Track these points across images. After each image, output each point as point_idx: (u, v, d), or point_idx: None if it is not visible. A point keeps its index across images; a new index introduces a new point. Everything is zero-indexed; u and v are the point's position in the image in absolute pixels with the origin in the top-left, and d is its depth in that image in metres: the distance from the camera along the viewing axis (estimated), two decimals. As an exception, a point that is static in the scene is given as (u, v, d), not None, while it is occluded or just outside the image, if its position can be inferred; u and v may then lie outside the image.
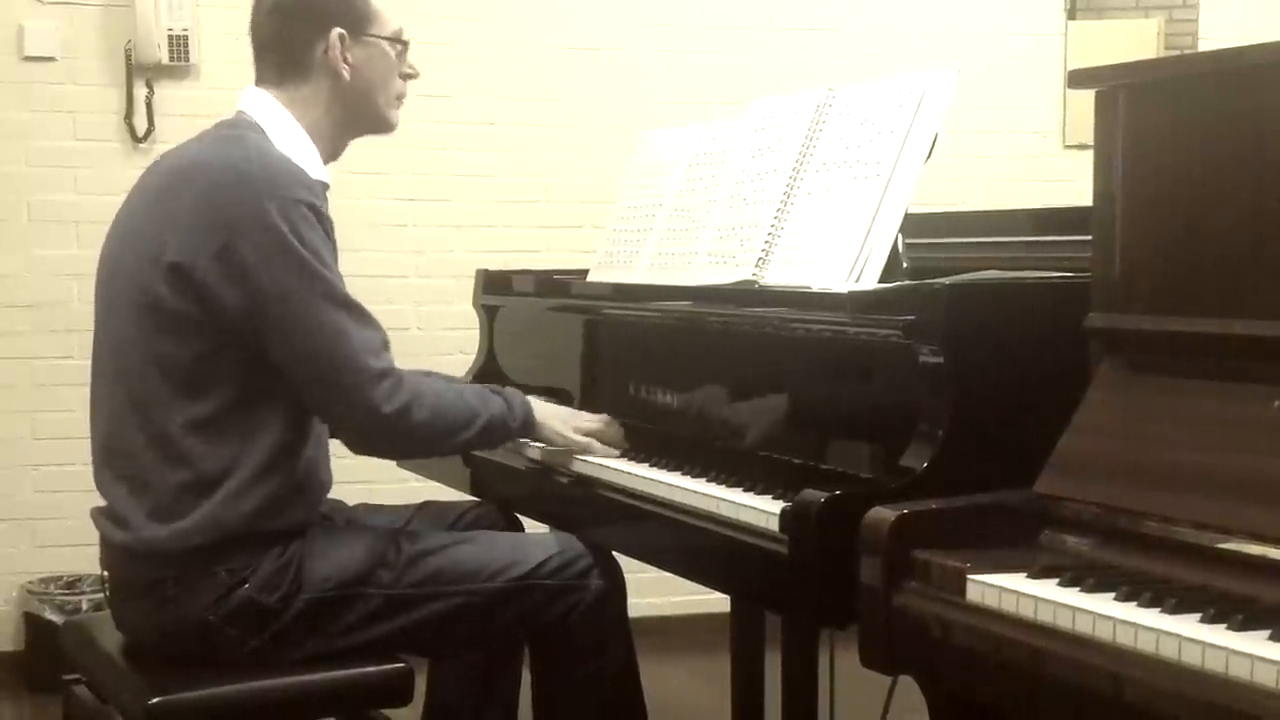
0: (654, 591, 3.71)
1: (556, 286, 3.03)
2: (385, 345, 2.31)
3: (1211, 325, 1.77)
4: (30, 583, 4.35)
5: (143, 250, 2.28)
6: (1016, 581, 1.67)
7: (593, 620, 2.45)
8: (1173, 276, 1.85)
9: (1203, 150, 1.82)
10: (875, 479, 2.02)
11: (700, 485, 2.25)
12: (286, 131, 2.37)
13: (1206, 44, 5.00)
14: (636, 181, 2.93)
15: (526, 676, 2.57)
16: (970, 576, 1.70)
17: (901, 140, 2.27)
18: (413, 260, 4.68)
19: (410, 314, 4.65)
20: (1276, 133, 1.72)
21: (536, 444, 2.58)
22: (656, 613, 4.32)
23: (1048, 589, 1.63)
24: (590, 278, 2.91)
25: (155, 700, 2.22)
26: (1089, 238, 1.97)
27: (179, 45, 4.38)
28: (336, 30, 2.39)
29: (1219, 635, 1.45)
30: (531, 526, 2.71)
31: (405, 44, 2.48)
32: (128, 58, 4.40)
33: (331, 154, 2.47)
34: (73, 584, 4.31)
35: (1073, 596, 1.60)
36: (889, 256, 2.23)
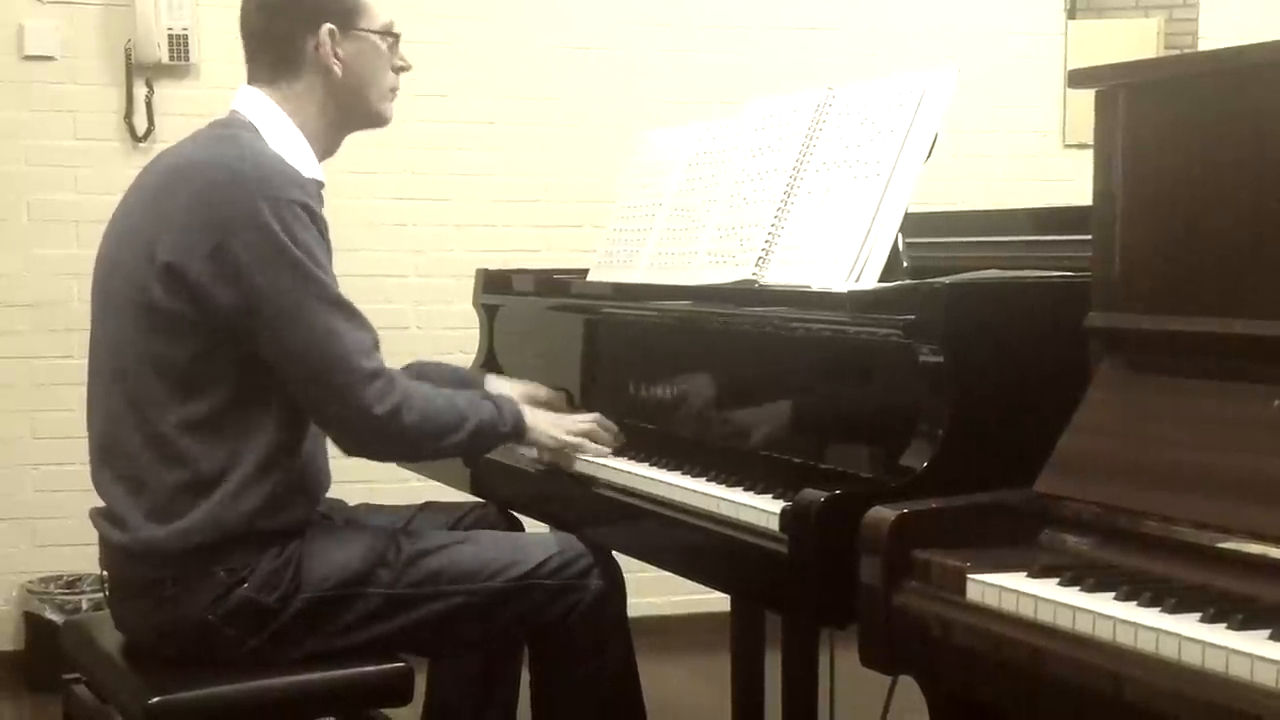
0: (654, 591, 3.71)
1: (556, 286, 3.03)
2: (376, 346, 2.31)
3: (1211, 325, 1.77)
4: (30, 582, 4.35)
5: (138, 250, 2.28)
6: (1016, 581, 1.67)
7: (592, 620, 2.45)
8: (1173, 276, 1.85)
9: (1202, 150, 1.82)
10: (875, 478, 2.02)
11: (700, 485, 2.25)
12: (280, 130, 2.37)
13: (1206, 44, 5.00)
14: (636, 181, 2.93)
15: (526, 676, 2.57)
16: (970, 576, 1.70)
17: (901, 140, 2.27)
18: (412, 260, 4.68)
19: (410, 314, 4.65)
20: (1276, 132, 1.72)
21: (529, 448, 2.58)
22: (656, 612, 4.32)
23: (1048, 588, 1.63)
24: (590, 277, 2.91)
25: (155, 700, 2.22)
26: (1089, 237, 1.97)
27: (179, 45, 4.39)
28: (326, 26, 2.39)
29: (1219, 635, 1.45)
30: (532, 526, 2.71)
31: (396, 36, 2.48)
32: (128, 57, 4.40)
33: (326, 150, 2.47)
34: (73, 584, 4.31)
35: (1073, 596, 1.60)
36: (889, 256, 2.23)
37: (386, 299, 4.54)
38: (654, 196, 2.82)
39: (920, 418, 1.98)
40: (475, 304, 3.25)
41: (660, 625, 4.29)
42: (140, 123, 4.43)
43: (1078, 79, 1.99)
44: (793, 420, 2.27)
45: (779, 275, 2.37)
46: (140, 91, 4.43)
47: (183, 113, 4.21)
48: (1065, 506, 1.81)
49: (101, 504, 2.38)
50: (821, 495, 1.91)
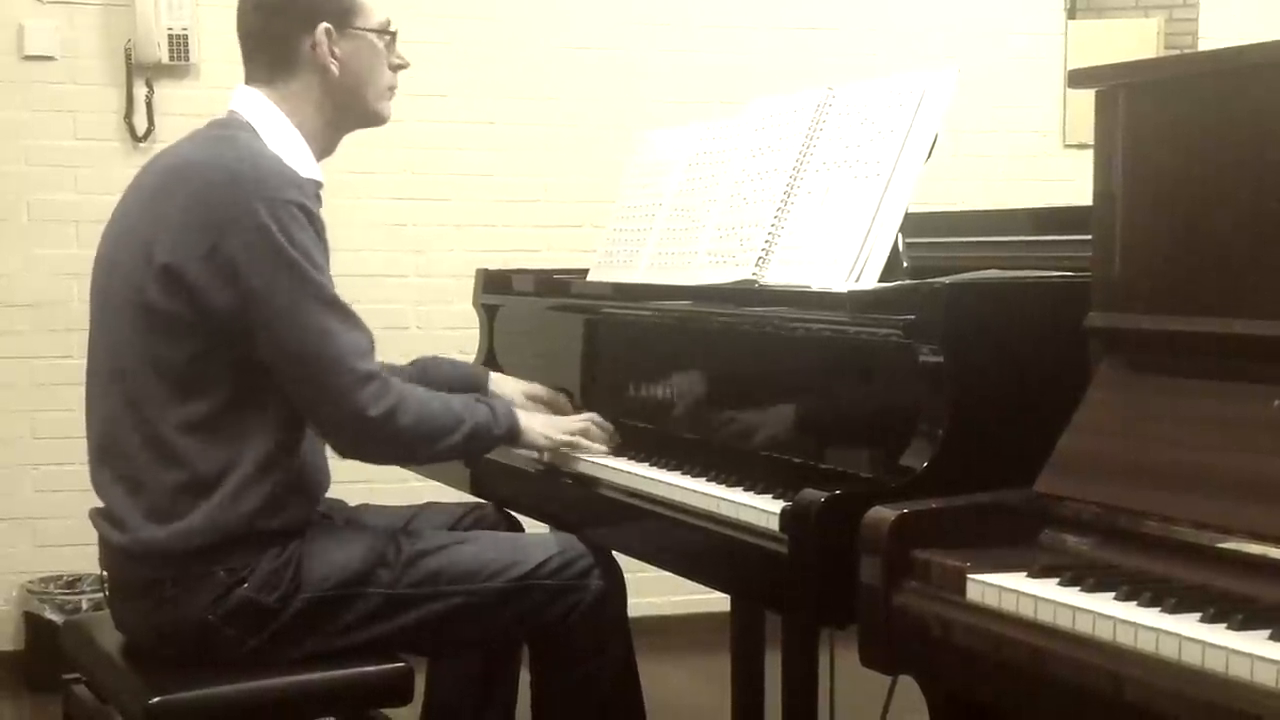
0: (654, 591, 3.71)
1: (556, 286, 3.03)
2: (372, 348, 2.31)
3: (1211, 325, 1.77)
4: (30, 582, 4.35)
5: (136, 251, 2.28)
6: (1016, 581, 1.67)
7: (592, 620, 2.45)
8: (1173, 276, 1.85)
9: (1202, 150, 1.82)
10: (875, 478, 2.02)
11: (700, 485, 2.25)
12: (278, 130, 2.37)
13: (1206, 44, 5.00)
14: (636, 181, 2.93)
15: (526, 676, 2.57)
16: (970, 576, 1.70)
17: (902, 140, 2.27)
18: (413, 260, 4.68)
19: (410, 314, 4.65)
20: (1276, 132, 1.72)
21: (525, 451, 2.58)
22: (656, 613, 4.32)
23: (1048, 588, 1.63)
24: (590, 277, 2.91)
25: (155, 700, 2.22)
26: (1089, 238, 1.97)
27: (179, 45, 4.39)
28: (322, 25, 2.38)
29: (1219, 635, 1.45)
30: (532, 527, 2.71)
31: (393, 35, 2.48)
32: (128, 57, 4.40)
33: (324, 150, 2.46)
34: (73, 584, 4.32)
35: (1073, 596, 1.60)
36: (889, 256, 2.23)
37: (386, 299, 4.54)
38: (654, 196, 2.82)
39: (920, 418, 1.98)
40: (475, 304, 3.25)
41: (660, 625, 4.29)
42: (140, 123, 4.43)
43: (1078, 79, 1.99)
44: (793, 420, 2.27)
45: (779, 275, 2.37)
46: (140, 91, 4.43)
47: (183, 113, 4.21)
48: (1065, 506, 1.81)
49: (101, 504, 2.38)
50: (821, 495, 1.91)
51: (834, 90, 2.47)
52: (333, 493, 2.52)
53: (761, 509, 2.06)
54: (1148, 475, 1.74)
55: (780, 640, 2.44)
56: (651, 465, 2.43)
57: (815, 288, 2.26)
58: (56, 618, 4.03)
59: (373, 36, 2.44)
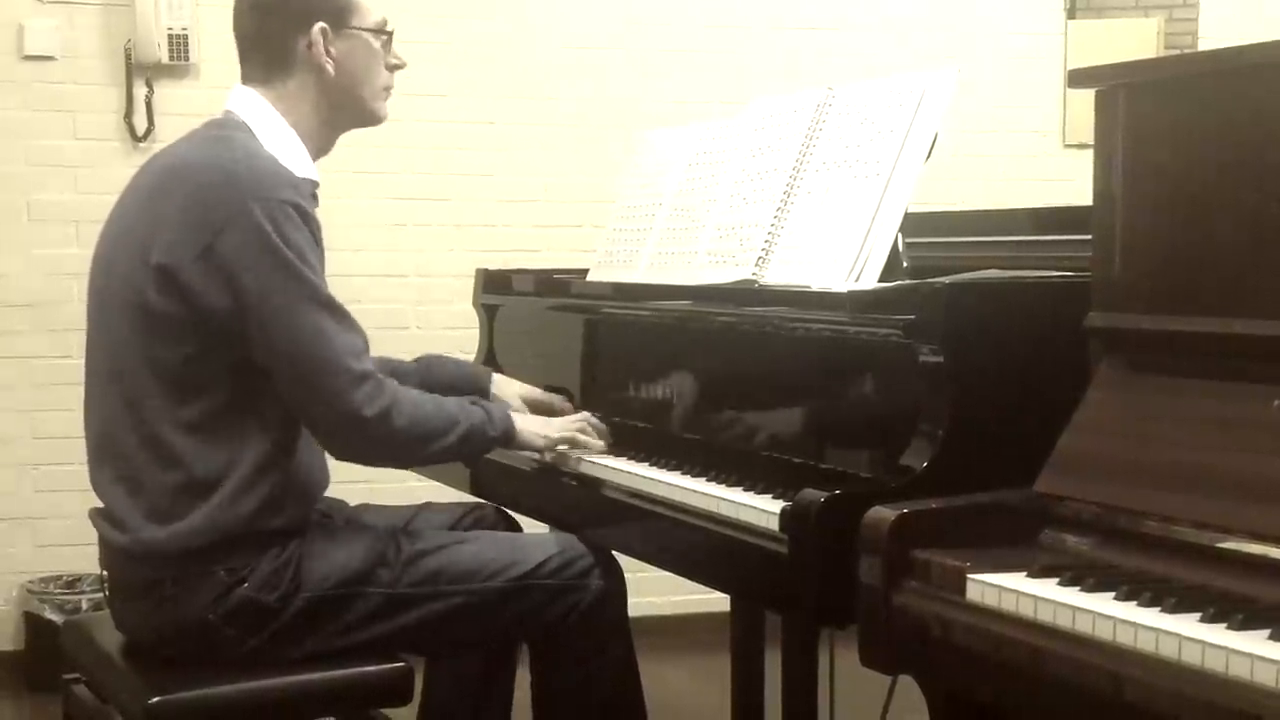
0: (654, 591, 3.71)
1: (556, 286, 3.03)
2: (366, 348, 2.31)
3: (1211, 325, 1.77)
4: (30, 582, 4.35)
5: (133, 251, 2.28)
6: (1016, 581, 1.67)
7: (593, 620, 2.45)
8: (1173, 276, 1.85)
9: (1202, 150, 1.82)
10: (875, 478, 2.02)
11: (700, 485, 2.25)
12: (274, 130, 2.37)
13: (1206, 44, 5.00)
14: (636, 181, 2.93)
15: (524, 676, 2.57)
16: (970, 576, 1.70)
17: (901, 139, 2.27)
18: (413, 260, 4.68)
19: (410, 314, 4.65)
20: (1277, 132, 1.72)
21: (521, 452, 2.58)
22: (656, 613, 4.32)
23: (1048, 588, 1.63)
24: (590, 277, 2.92)
25: (155, 700, 2.22)
26: (1089, 237, 1.97)
27: (179, 44, 4.39)
28: (318, 25, 2.38)
29: (1219, 635, 1.45)
30: (531, 527, 2.71)
31: (389, 34, 2.47)
32: (128, 57, 4.40)
33: (321, 149, 2.46)
34: (73, 584, 4.32)
35: (1073, 596, 1.60)
36: (889, 256, 2.23)
37: (386, 299, 4.54)
38: (654, 196, 2.82)
39: (920, 418, 1.98)
40: (475, 304, 3.25)
41: (660, 625, 4.29)
42: (140, 123, 4.43)
43: (1078, 79, 1.99)
44: (793, 420, 2.27)
45: (779, 275, 2.37)
46: (140, 91, 4.43)
47: (182, 112, 4.20)
48: (1065, 506, 1.81)
49: (101, 504, 2.38)
50: (821, 495, 1.91)
51: (834, 90, 2.47)
52: (333, 493, 2.52)
53: (761, 509, 2.06)
54: (1148, 475, 1.74)
55: (780, 640, 2.44)
56: (651, 465, 2.43)
57: (815, 288, 2.26)
58: (56, 618, 4.03)
59: (369, 36, 2.44)
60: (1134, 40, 4.99)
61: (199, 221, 2.22)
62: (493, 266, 3.26)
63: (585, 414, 2.61)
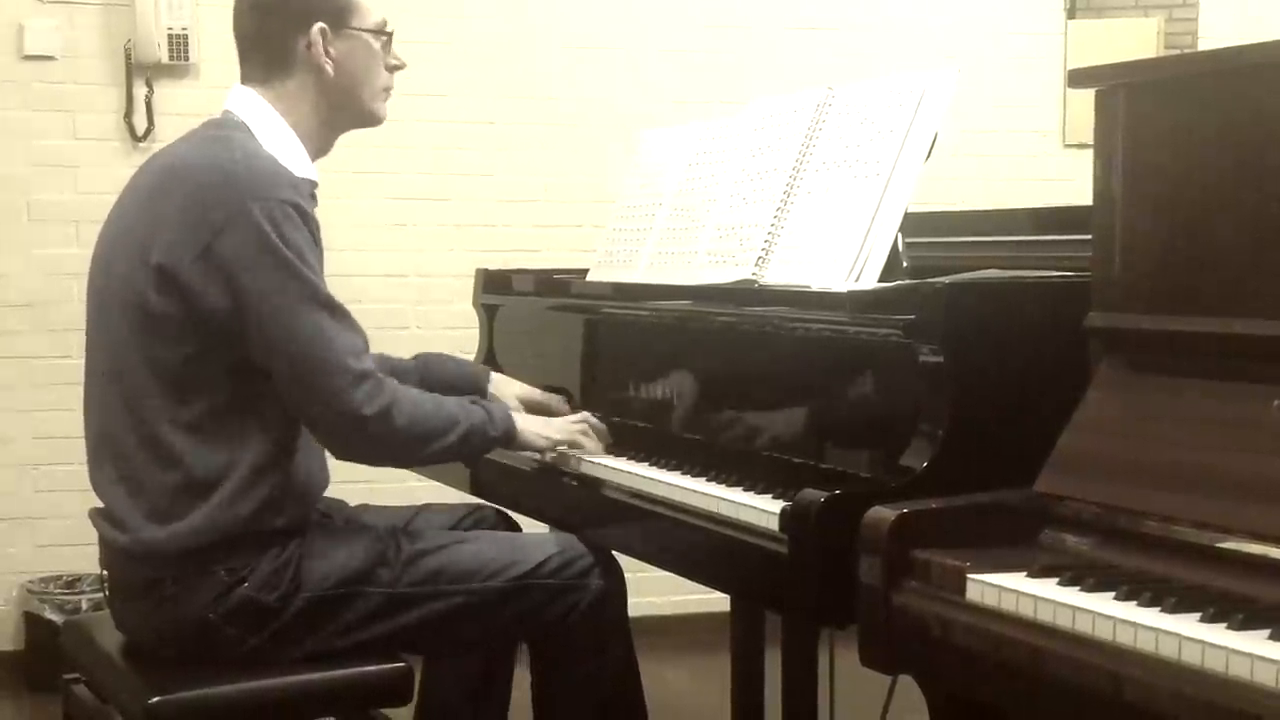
0: (654, 591, 3.71)
1: (556, 286, 3.03)
2: (366, 347, 2.31)
3: (1211, 325, 1.77)
4: (30, 582, 4.35)
5: (132, 251, 2.28)
6: (1016, 581, 1.67)
7: (593, 620, 2.45)
8: (1173, 276, 1.85)
9: (1203, 150, 1.82)
10: (875, 478, 2.02)
11: (700, 485, 2.25)
12: (273, 130, 2.37)
13: (1206, 43, 5.00)
14: (636, 180, 2.93)
15: (524, 676, 2.57)
16: (970, 576, 1.70)
17: (901, 139, 2.27)
18: (413, 260, 4.68)
19: (410, 314, 4.65)
20: (1277, 133, 1.72)
21: (521, 453, 2.58)
22: (656, 613, 4.32)
23: (1047, 588, 1.63)
24: (590, 277, 2.91)
25: (155, 699, 2.22)
26: (1089, 237, 1.97)
27: (179, 44, 4.39)
28: (318, 25, 2.38)
29: (1219, 635, 1.45)
30: (531, 527, 2.71)
31: (389, 35, 2.47)
32: (127, 57, 4.40)
33: (320, 149, 2.46)
34: (73, 584, 4.32)
35: (1073, 596, 1.60)
36: (889, 256, 2.23)
37: (386, 299, 4.54)
38: (654, 196, 2.82)
39: (920, 418, 1.98)
40: (475, 304, 3.25)
41: (660, 625, 4.29)
42: (140, 122, 4.43)
43: (1078, 79, 1.99)
44: (792, 420, 2.27)
45: (779, 275, 2.37)
46: (140, 91, 4.43)
47: (182, 112, 4.21)
48: (1065, 506, 1.81)
49: (101, 504, 2.38)
50: (821, 495, 1.91)
51: (834, 90, 2.47)
52: (332, 492, 2.52)
53: (761, 509, 2.06)
54: (1148, 475, 1.74)
55: (780, 640, 2.44)
56: (651, 465, 2.43)
57: (815, 287, 2.26)
58: (56, 618, 4.03)
59: (369, 37, 2.44)
60: (1134, 40, 4.99)
61: (198, 221, 2.22)
62: (493, 266, 3.26)
63: (585, 414, 2.61)
